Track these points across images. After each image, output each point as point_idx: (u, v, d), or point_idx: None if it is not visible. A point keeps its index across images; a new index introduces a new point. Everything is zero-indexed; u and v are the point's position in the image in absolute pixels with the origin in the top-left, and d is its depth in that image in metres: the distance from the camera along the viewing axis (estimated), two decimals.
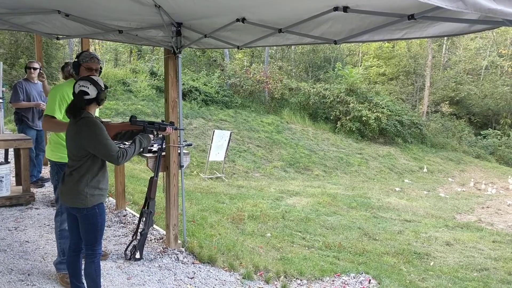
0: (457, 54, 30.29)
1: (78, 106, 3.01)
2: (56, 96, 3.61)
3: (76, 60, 3.61)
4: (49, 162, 3.87)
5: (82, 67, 3.57)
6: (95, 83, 3.03)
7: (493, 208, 11.30)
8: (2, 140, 5.75)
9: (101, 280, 3.75)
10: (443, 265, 6.38)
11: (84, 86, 3.01)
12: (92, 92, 3.02)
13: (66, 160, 3.52)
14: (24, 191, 5.73)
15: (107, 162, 3.12)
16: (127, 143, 3.85)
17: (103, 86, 3.09)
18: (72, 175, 3.04)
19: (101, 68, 3.74)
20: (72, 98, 3.11)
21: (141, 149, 3.33)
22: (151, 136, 3.51)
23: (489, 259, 6.85)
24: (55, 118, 3.59)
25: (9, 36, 17.30)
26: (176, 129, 4.01)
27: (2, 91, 10.11)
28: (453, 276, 5.89)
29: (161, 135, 3.92)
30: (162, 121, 3.83)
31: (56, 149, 3.69)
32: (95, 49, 26.99)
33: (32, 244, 4.48)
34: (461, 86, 27.00)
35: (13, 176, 6.29)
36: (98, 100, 3.07)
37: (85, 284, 3.27)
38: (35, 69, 6.40)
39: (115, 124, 3.57)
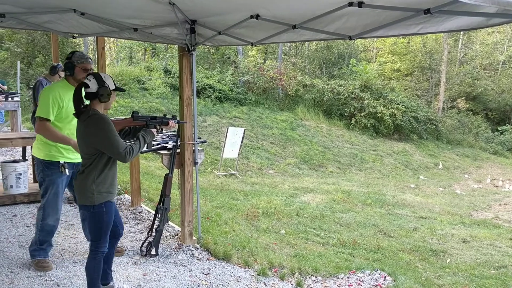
0: (474, 49, 29.83)
1: (77, 97, 3.00)
2: (49, 98, 3.58)
3: (69, 61, 3.64)
4: (35, 160, 3.89)
5: (78, 68, 3.63)
6: (98, 78, 3.01)
7: (510, 205, 11.14)
8: (20, 138, 5.84)
9: (117, 275, 3.82)
10: (459, 262, 6.32)
11: (87, 79, 3.01)
12: (92, 85, 2.99)
13: (51, 158, 3.65)
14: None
15: (116, 162, 3.12)
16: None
17: (108, 84, 3.05)
18: (83, 173, 3.05)
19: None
20: (64, 100, 3.20)
21: (146, 145, 3.30)
22: (154, 130, 3.49)
23: (507, 256, 6.75)
24: (49, 121, 3.59)
25: (26, 36, 17.55)
26: (178, 122, 3.94)
27: (3, 89, 10.23)
28: (470, 273, 5.82)
29: (164, 130, 3.89)
30: (164, 115, 3.80)
31: (42, 147, 3.71)
32: (109, 48, 27.23)
33: None
34: (478, 82, 26.59)
35: (30, 174, 6.38)
36: (98, 96, 3.00)
37: (110, 273, 3.43)
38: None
39: (119, 121, 3.57)
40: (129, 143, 3.09)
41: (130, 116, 3.51)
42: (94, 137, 2.95)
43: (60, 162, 3.69)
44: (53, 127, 3.61)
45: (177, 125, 3.93)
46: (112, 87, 3.09)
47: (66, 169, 3.71)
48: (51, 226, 3.84)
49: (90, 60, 3.71)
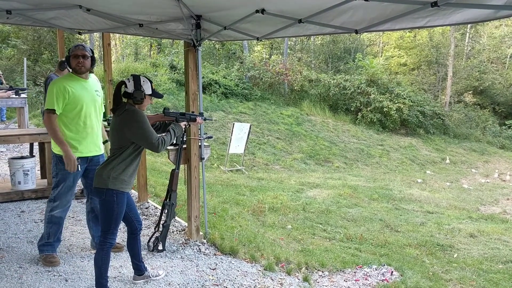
0: (481, 42, 29.56)
1: (116, 94, 3.20)
2: (53, 90, 3.64)
3: (67, 54, 3.75)
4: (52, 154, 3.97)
5: (71, 57, 3.71)
6: (136, 81, 3.18)
7: None
8: (27, 135, 5.86)
9: (124, 270, 3.84)
10: (467, 257, 6.29)
11: (128, 79, 3.19)
12: (129, 86, 3.17)
13: None
14: (49, 184, 5.84)
15: (139, 157, 3.25)
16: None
17: (145, 88, 3.20)
18: (107, 161, 3.21)
19: (92, 57, 3.81)
20: (70, 90, 3.52)
21: (175, 138, 3.47)
22: (183, 125, 3.67)
23: None
24: (55, 112, 3.63)
25: (32, 33, 17.60)
26: (205, 119, 4.09)
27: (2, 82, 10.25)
28: (477, 268, 5.80)
29: (191, 125, 4.02)
30: (192, 112, 3.92)
31: None
32: (115, 44, 27.25)
33: None
34: (485, 75, 26.34)
35: (38, 170, 6.42)
36: (132, 97, 3.17)
37: (142, 265, 3.63)
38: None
39: (151, 116, 3.68)
40: (161, 135, 3.25)
41: (162, 112, 3.68)
42: (129, 128, 3.10)
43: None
44: (57, 125, 3.66)
45: (203, 121, 4.05)
46: (148, 92, 3.24)
47: (79, 165, 3.77)
48: (59, 218, 3.91)
49: (81, 46, 3.73)
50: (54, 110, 3.62)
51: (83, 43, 3.93)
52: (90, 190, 4.01)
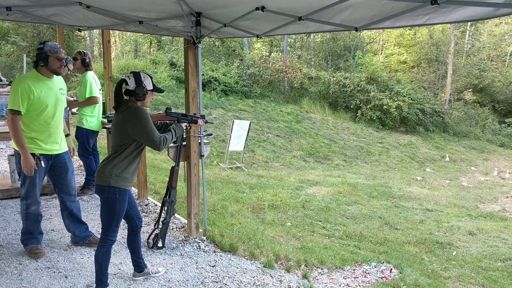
0: (481, 40, 29.55)
1: (117, 92, 3.21)
2: (18, 89, 3.56)
3: (41, 51, 3.64)
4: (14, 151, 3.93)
5: (52, 58, 3.66)
6: (137, 78, 3.19)
7: None
8: None
9: (124, 267, 3.85)
10: (466, 255, 6.30)
11: (128, 77, 3.20)
12: (131, 84, 3.18)
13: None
14: (49, 181, 5.84)
15: (141, 154, 3.28)
16: None
17: (146, 84, 3.22)
18: (108, 159, 3.21)
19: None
20: (36, 91, 3.48)
21: (176, 138, 3.48)
22: (184, 125, 3.68)
23: None
24: (20, 114, 3.57)
25: (32, 29, 17.59)
26: (206, 122, 4.12)
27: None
28: (476, 265, 5.81)
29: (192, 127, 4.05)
30: (194, 114, 3.95)
31: None
32: (115, 41, 27.23)
33: (57, 232, 4.59)
34: (485, 73, 26.34)
35: None
36: (134, 94, 3.18)
37: (142, 262, 3.66)
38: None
39: (153, 114, 3.69)
40: (163, 134, 3.28)
41: (164, 112, 3.70)
42: (132, 126, 3.11)
43: (36, 154, 3.71)
44: (20, 127, 3.59)
45: (204, 124, 4.07)
46: (149, 87, 3.26)
47: (42, 161, 3.75)
48: (35, 215, 3.93)
49: (62, 49, 3.76)
50: (19, 111, 3.56)
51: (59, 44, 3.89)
52: (60, 189, 4.02)
